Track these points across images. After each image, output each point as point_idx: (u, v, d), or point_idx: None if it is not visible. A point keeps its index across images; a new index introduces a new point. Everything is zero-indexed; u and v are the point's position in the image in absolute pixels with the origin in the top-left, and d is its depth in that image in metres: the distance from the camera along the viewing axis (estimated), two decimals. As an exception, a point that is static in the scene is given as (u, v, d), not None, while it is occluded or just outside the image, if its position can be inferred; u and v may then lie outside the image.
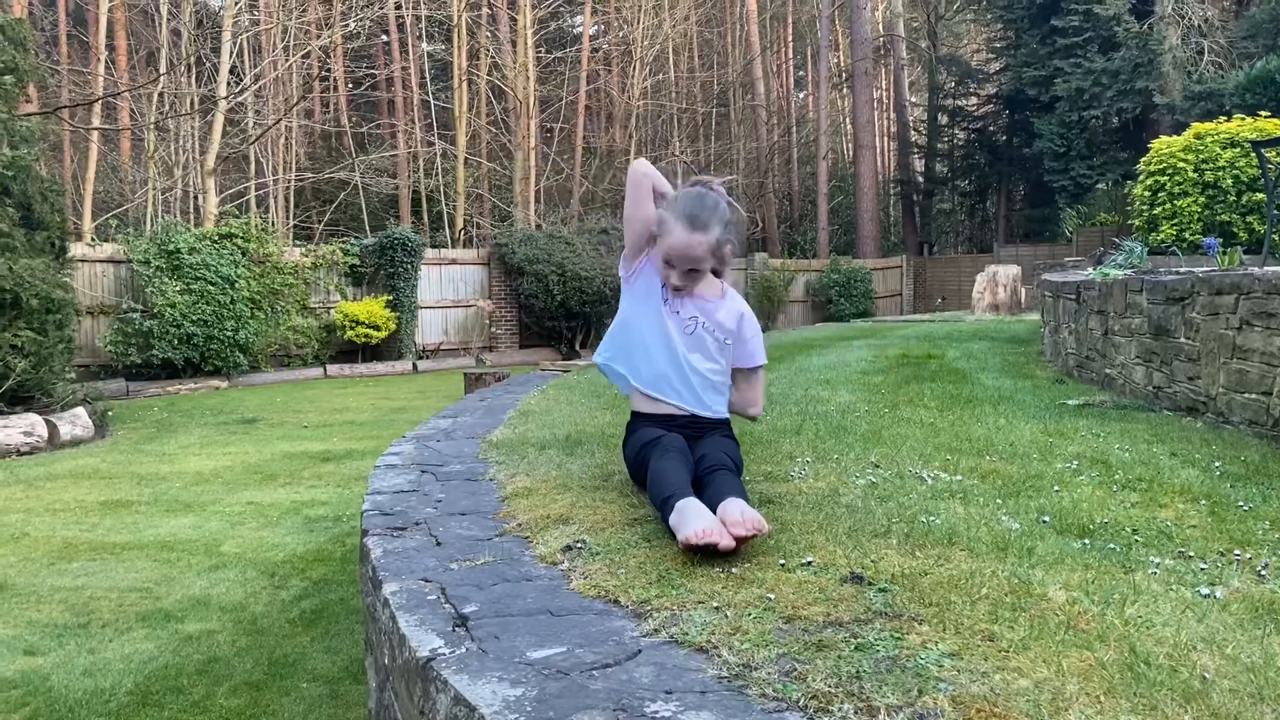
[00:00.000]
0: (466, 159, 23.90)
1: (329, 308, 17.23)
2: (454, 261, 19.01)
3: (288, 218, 23.79)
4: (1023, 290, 15.68)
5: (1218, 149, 13.06)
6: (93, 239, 16.72)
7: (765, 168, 30.35)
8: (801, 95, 36.49)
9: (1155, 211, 13.46)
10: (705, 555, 1.80)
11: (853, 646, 1.34)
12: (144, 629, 4.78)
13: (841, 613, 1.46)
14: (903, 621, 1.42)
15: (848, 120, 32.27)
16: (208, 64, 20.99)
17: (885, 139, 34.00)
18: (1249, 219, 12.90)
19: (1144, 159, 14.17)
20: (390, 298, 17.40)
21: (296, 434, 10.42)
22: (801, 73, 37.05)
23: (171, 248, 14.49)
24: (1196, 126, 13.74)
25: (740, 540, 1.77)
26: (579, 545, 1.95)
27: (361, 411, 12.15)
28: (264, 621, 4.89)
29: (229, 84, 18.65)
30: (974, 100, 29.96)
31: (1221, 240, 12.94)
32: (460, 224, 22.98)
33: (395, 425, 10.93)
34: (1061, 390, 4.98)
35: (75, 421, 9.59)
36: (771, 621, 1.44)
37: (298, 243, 19.21)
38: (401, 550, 2.05)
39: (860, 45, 27.82)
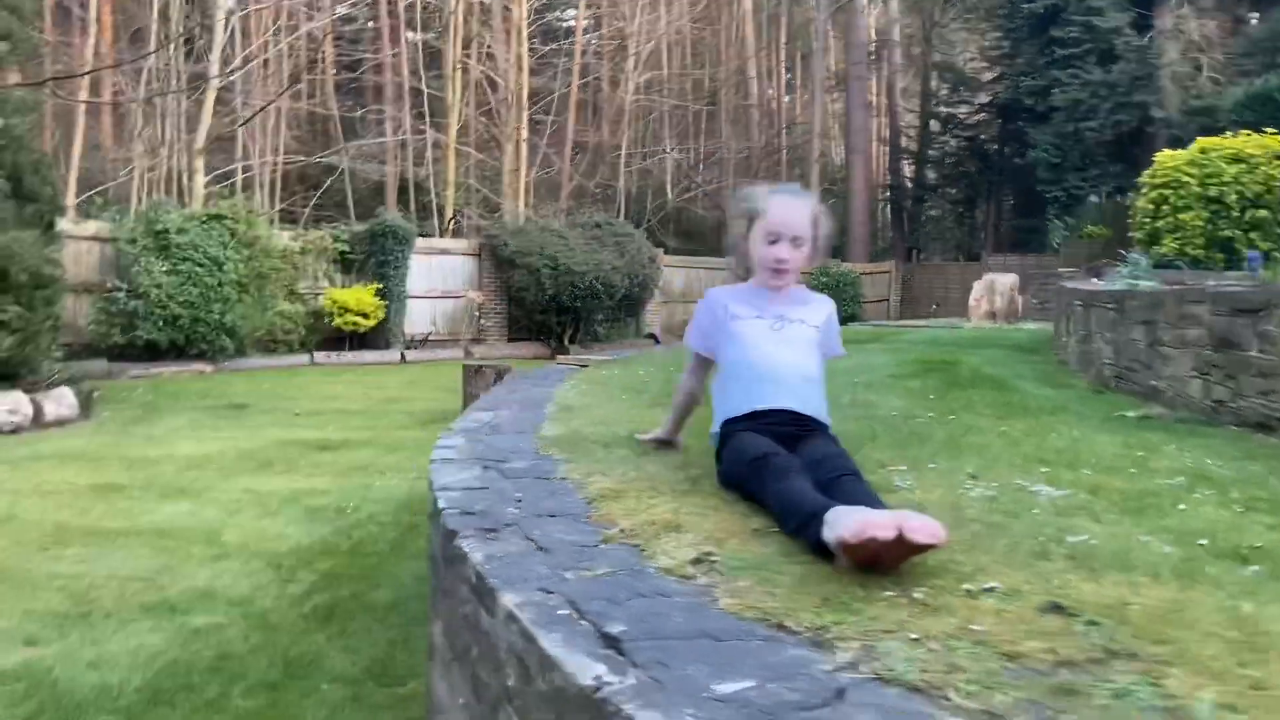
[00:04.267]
0: (457, 149, 23.61)
1: (317, 294, 16.91)
2: (444, 251, 18.74)
3: (273, 202, 23.44)
4: (1019, 299, 15.62)
5: (1223, 164, 13.01)
6: (75, 216, 16.32)
7: (756, 168, 30.21)
8: (790, 98, 36.40)
9: (1158, 225, 13.40)
10: (866, 569, 1.63)
11: (1108, 693, 1.16)
12: (149, 621, 4.54)
13: (1068, 650, 1.29)
14: (1145, 663, 1.25)
15: (839, 124, 32.21)
16: (197, 43, 20.59)
17: (877, 144, 33.96)
18: (1251, 235, 12.86)
19: (1148, 172, 14.12)
20: (380, 286, 17.11)
21: (288, 421, 10.16)
22: (789, 75, 36.96)
23: (159, 227, 14.15)
24: (1201, 141, 13.70)
25: (912, 548, 1.59)
26: (710, 558, 1.76)
27: (353, 400, 11.89)
28: (274, 617, 4.66)
29: (220, 64, 18.29)
30: (966, 108, 29.96)
31: (1223, 255, 12.94)
32: (450, 214, 22.70)
33: (389, 415, 10.71)
34: (1107, 401, 4.85)
35: (61, 401, 9.30)
36: (991, 659, 1.26)
37: (285, 226, 18.83)
38: (504, 556, 1.86)
39: (855, 49, 27.75)
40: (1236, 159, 13.04)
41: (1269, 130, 13.50)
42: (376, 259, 17.32)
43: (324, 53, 26.50)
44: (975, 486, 2.47)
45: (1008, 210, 28.86)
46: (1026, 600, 1.49)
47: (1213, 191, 12.99)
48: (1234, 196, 12.91)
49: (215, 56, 17.83)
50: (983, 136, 28.98)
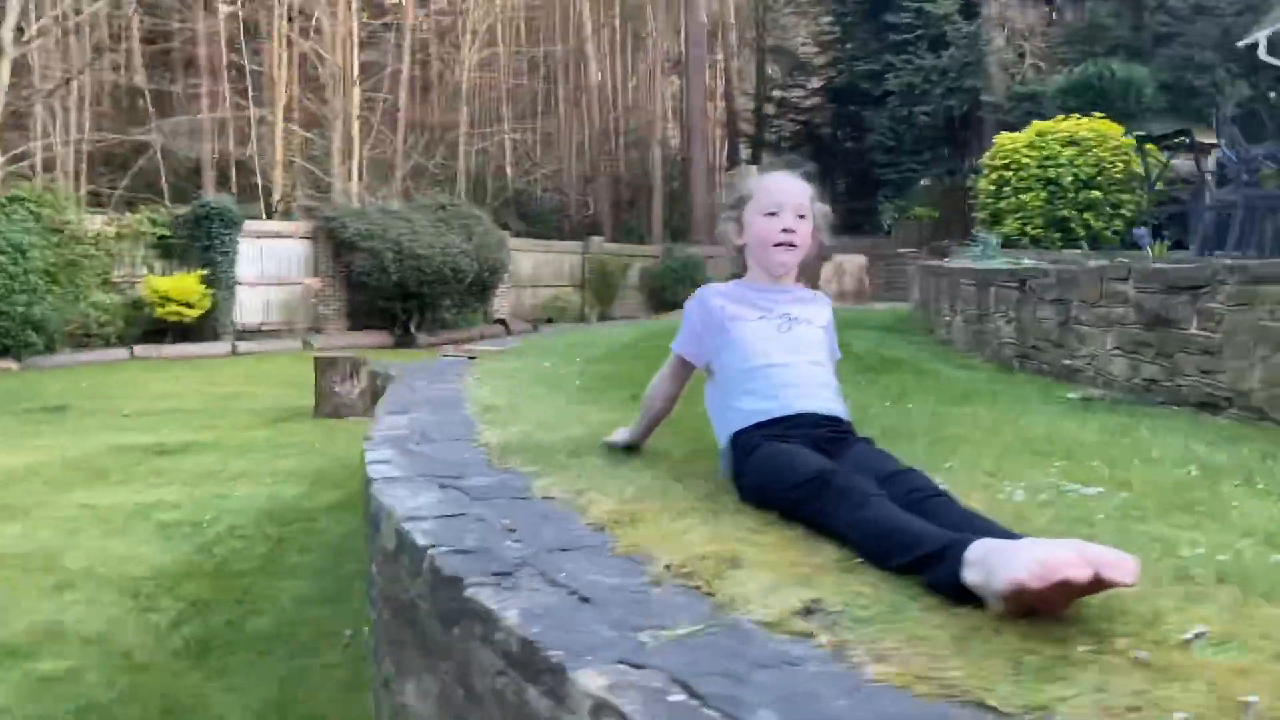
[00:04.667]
0: (283, 127, 22.31)
1: (134, 282, 15.59)
2: (277, 235, 17.62)
3: (78, 184, 21.54)
4: (867, 279, 15.91)
5: (1058, 146, 13.53)
6: None
7: (597, 150, 29.94)
8: (629, 80, 36.23)
9: (1000, 205, 13.85)
10: (1027, 615, 1.33)
11: None
12: (-16, 672, 3.86)
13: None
14: None
15: (679, 106, 32.23)
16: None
17: (715, 127, 34.24)
18: (1085, 215, 13.43)
19: (988, 154, 14.59)
20: (206, 273, 15.90)
21: (118, 423, 9.21)
22: (627, 58, 36.73)
23: (-49, 210, 12.69)
24: (1037, 124, 14.23)
25: (1093, 589, 1.30)
26: (820, 606, 1.42)
27: (187, 398, 10.94)
28: (141, 655, 4.05)
29: (14, 33, 16.57)
30: (801, 92, 30.51)
31: (1060, 235, 13.50)
32: (279, 195, 21.44)
33: (231, 414, 9.88)
34: (1028, 383, 4.78)
35: None
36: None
37: (92, 210, 17.24)
38: (542, 611, 1.47)
39: (694, 31, 27.78)
40: (1071, 142, 13.59)
41: (1098, 114, 14.16)
42: (201, 244, 16.11)
43: (131, 22, 24.55)
44: (1012, 487, 2.23)
45: (841, 193, 29.55)
46: (1254, 649, 1.23)
47: (1050, 173, 13.49)
48: (1069, 178, 13.44)
49: (9, 25, 16.13)
50: (817, 120, 29.56)
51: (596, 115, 30.65)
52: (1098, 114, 14.10)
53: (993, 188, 13.97)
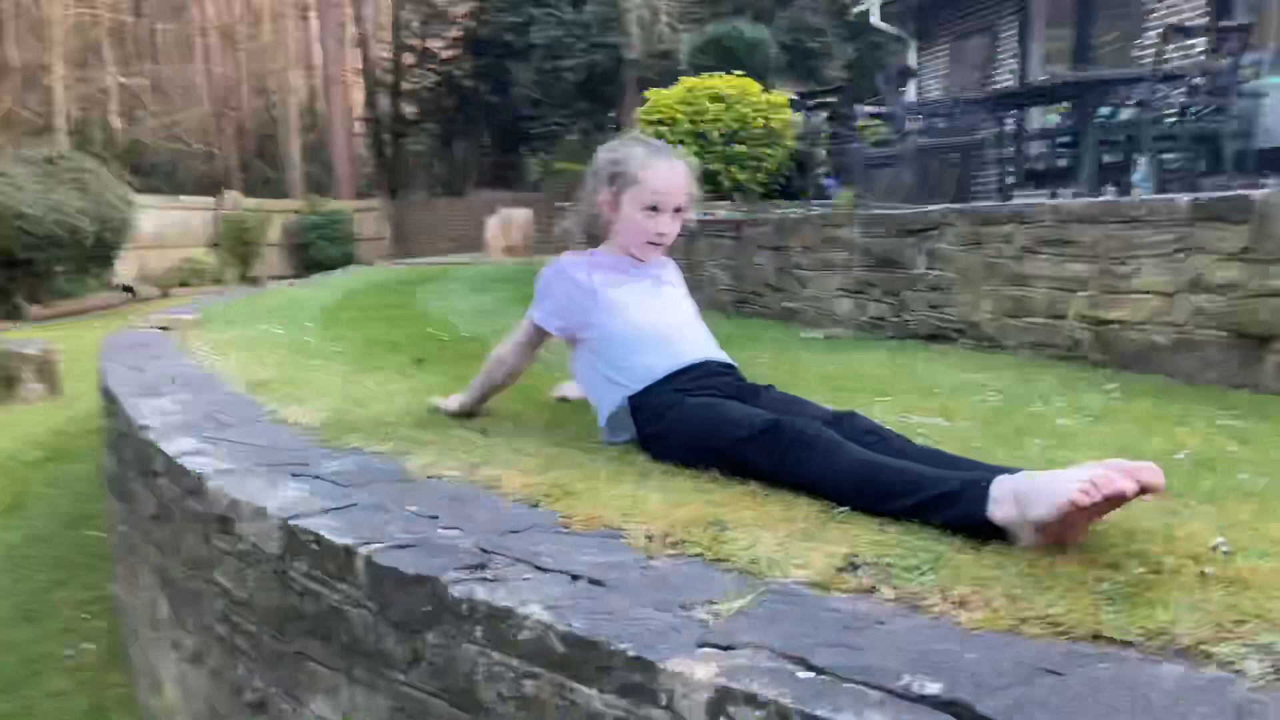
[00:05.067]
0: None
1: None
2: None
3: None
4: (534, 232, 16.02)
5: (706, 102, 14.29)
6: None
7: (219, 98, 27.60)
8: (264, 24, 33.61)
9: (658, 159, 14.44)
10: (1057, 543, 1.39)
11: None
12: None
13: None
14: None
15: (313, 52, 30.37)
16: None
17: (353, 75, 32.70)
18: (731, 168, 14.34)
19: (643, 109, 15.11)
20: None
21: None
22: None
23: None
24: (686, 81, 14.89)
25: (1140, 494, 1.36)
26: (860, 561, 1.39)
27: None
28: None
29: None
30: (440, 42, 29.79)
31: (711, 186, 14.32)
32: None
33: None
34: (754, 325, 5.04)
35: None
36: None
37: None
38: (568, 602, 1.33)
39: (324, -28, 26.25)
40: (717, 98, 14.39)
41: (739, 72, 15.10)
42: None
43: None
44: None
45: (487, 146, 29.42)
46: (1275, 554, 1.36)
47: (700, 128, 14.21)
48: (716, 133, 14.24)
49: None
50: (457, 72, 29.06)
51: (216, 59, 28.25)
52: (738, 71, 15.02)
53: (650, 142, 14.51)
